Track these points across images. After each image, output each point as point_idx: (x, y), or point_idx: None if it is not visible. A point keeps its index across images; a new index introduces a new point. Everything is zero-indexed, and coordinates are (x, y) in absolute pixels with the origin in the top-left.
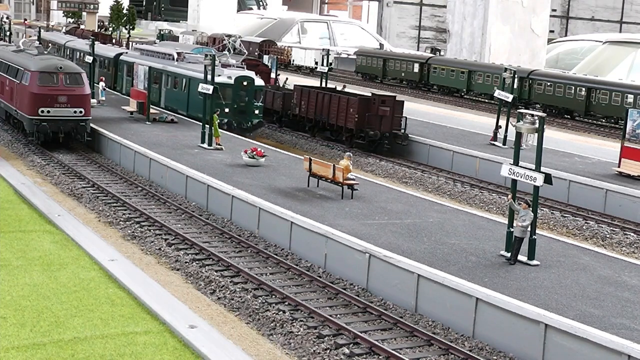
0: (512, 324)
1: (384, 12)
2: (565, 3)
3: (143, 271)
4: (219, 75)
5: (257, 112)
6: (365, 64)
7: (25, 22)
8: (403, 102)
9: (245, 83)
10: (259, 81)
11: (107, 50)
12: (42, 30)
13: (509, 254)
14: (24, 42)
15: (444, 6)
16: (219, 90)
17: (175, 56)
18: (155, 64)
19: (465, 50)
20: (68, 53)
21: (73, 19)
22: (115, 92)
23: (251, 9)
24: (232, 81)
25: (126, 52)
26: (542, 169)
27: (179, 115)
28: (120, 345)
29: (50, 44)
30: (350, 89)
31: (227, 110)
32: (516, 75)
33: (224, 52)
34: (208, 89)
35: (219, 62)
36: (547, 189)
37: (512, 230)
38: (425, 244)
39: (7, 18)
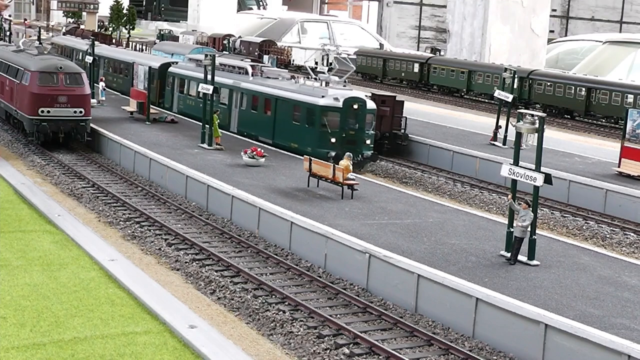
0: (512, 324)
1: (384, 12)
2: (565, 3)
3: (143, 271)
4: (323, 97)
5: (368, 142)
6: (365, 64)
7: (25, 22)
8: (403, 102)
9: (355, 106)
10: (370, 103)
11: (148, 59)
12: (51, 33)
13: (509, 254)
14: (24, 42)
15: (444, 6)
16: (321, 115)
17: (250, 70)
18: (221, 79)
19: (465, 50)
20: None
21: (73, 19)
22: (164, 110)
23: (251, 9)
24: (340, 104)
25: (175, 63)
26: (542, 169)
27: (262, 144)
28: (120, 345)
29: (65, 49)
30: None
31: (333, 140)
32: (516, 75)
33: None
34: (208, 89)
35: (319, 79)
36: (547, 189)
37: (512, 230)
38: (425, 244)
39: (10, 16)
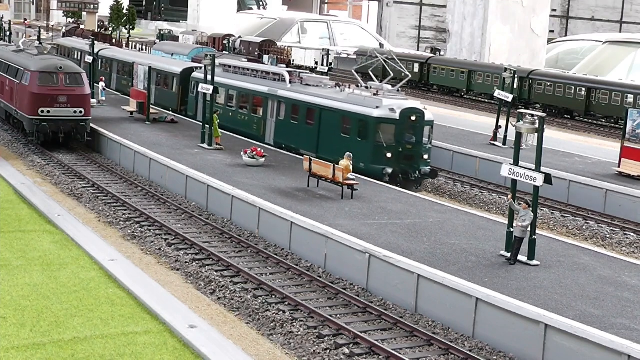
0: (512, 324)
1: (384, 12)
2: (565, 3)
3: (143, 271)
4: (377, 107)
5: (426, 157)
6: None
7: (25, 22)
8: None
9: (413, 118)
10: (428, 114)
11: (169, 64)
12: (51, 33)
13: (509, 254)
14: (24, 42)
15: (444, 6)
16: (376, 127)
17: (287, 77)
18: (254, 85)
19: (465, 50)
20: (105, 64)
21: (73, 19)
22: (186, 118)
23: (251, 9)
24: (396, 115)
25: (199, 68)
26: (542, 169)
27: (302, 157)
28: (120, 345)
29: (72, 52)
30: None
31: (389, 155)
32: (516, 75)
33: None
34: (208, 89)
35: (370, 88)
36: (547, 189)
37: (512, 230)
38: (425, 244)
39: (1, 18)
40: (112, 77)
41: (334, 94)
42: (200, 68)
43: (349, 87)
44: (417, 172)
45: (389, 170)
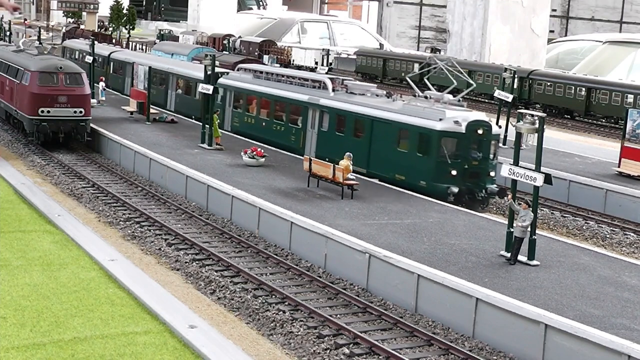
0: (512, 324)
1: (384, 12)
2: (565, 3)
3: (143, 271)
4: (440, 120)
5: (493, 174)
6: (365, 64)
7: (25, 22)
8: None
9: (480, 131)
10: (495, 128)
11: (189, 68)
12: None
13: (509, 254)
14: (24, 42)
15: (444, 6)
16: (440, 142)
17: (329, 84)
18: (290, 93)
19: (465, 50)
20: (115, 67)
21: (73, 19)
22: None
23: (251, 9)
24: (462, 129)
25: (226, 74)
26: (542, 169)
27: (357, 175)
28: (120, 345)
29: (80, 54)
30: None
31: (453, 172)
32: (516, 75)
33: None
34: (208, 89)
35: (429, 98)
36: (547, 189)
37: (512, 230)
38: (425, 244)
39: (20, 14)
40: (125, 81)
41: (386, 103)
42: (227, 73)
43: (401, 96)
44: (484, 191)
45: (455, 190)
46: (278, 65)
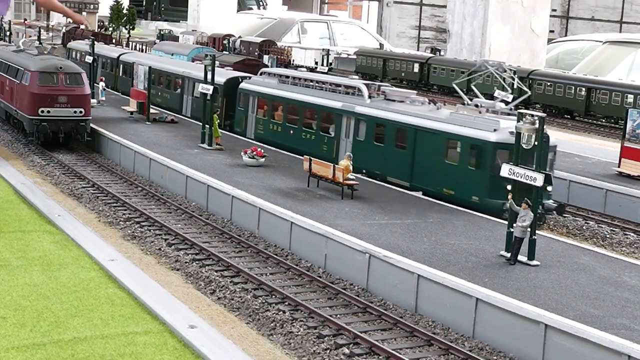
0: (512, 324)
1: (384, 12)
2: (565, 3)
3: (143, 271)
4: (495, 130)
5: (550, 188)
6: (365, 64)
7: (25, 22)
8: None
9: (537, 143)
10: (552, 138)
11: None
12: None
13: (509, 254)
14: (24, 42)
15: (444, 6)
16: (494, 154)
17: (365, 90)
18: (321, 100)
19: (465, 50)
20: (125, 70)
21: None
22: (234, 135)
23: (251, 9)
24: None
25: (247, 78)
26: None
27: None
28: (120, 345)
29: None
30: None
31: (509, 187)
32: (516, 75)
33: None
34: (208, 89)
35: (480, 106)
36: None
37: (512, 230)
38: (425, 244)
39: (1, 18)
40: (135, 85)
41: (431, 112)
42: (250, 78)
43: (444, 104)
44: (541, 207)
45: (508, 207)
46: (281, 65)
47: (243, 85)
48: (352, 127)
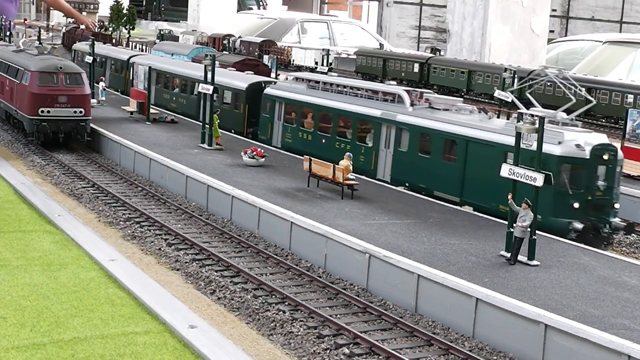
0: (512, 324)
1: (384, 12)
2: (565, 3)
3: (143, 271)
4: (559, 143)
5: (617, 206)
6: (365, 64)
7: (25, 22)
8: None
9: (605, 157)
10: (620, 151)
11: (230, 78)
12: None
13: (509, 254)
14: (24, 42)
15: (444, 6)
16: (560, 169)
17: (406, 98)
18: (357, 107)
19: (465, 50)
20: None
21: (73, 19)
22: (260, 144)
23: (251, 9)
24: (586, 154)
25: (273, 83)
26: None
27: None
28: (120, 345)
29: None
30: None
31: (576, 205)
32: (516, 75)
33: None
34: (208, 89)
35: (531, 115)
36: None
37: (512, 230)
38: (425, 244)
39: (2, 19)
40: (150, 89)
41: (482, 121)
42: (275, 83)
43: (497, 114)
44: (608, 226)
45: (578, 226)
46: (280, 64)
47: (268, 90)
48: (393, 137)
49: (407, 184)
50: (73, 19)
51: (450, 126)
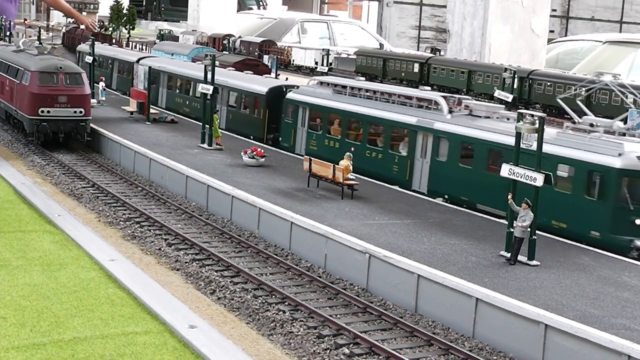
0: (512, 324)
1: (384, 12)
2: (565, 3)
3: (143, 271)
4: (619, 155)
5: None
6: (365, 64)
7: (25, 22)
8: None
9: None
10: None
11: (249, 82)
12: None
13: (509, 254)
14: (24, 42)
15: (444, 6)
16: (620, 183)
17: (444, 104)
18: (390, 114)
19: (465, 50)
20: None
21: (73, 19)
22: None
23: (251, 9)
24: None
25: (294, 87)
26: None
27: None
28: (120, 345)
29: (104, 61)
30: None
31: (637, 221)
32: (516, 75)
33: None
34: (208, 89)
35: (597, 125)
36: None
37: (512, 230)
38: (425, 244)
39: (2, 19)
40: (160, 92)
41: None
42: (297, 87)
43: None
44: None
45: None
46: (280, 64)
47: (291, 95)
48: (431, 145)
49: (446, 196)
50: (73, 19)
51: (495, 135)
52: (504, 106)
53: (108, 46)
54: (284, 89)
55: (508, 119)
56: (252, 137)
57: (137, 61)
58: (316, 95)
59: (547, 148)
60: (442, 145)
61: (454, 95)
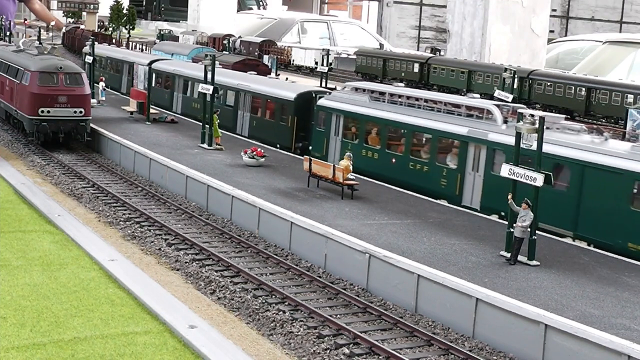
0: (512, 324)
1: (384, 12)
2: (565, 3)
3: (143, 271)
4: None
5: None
6: (365, 64)
7: (25, 22)
8: None
9: None
10: None
11: (275, 87)
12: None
13: (509, 254)
14: (24, 42)
15: (444, 6)
16: None
17: (497, 114)
18: (437, 124)
19: (465, 50)
20: (159, 81)
21: (73, 19)
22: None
23: (251, 9)
24: None
25: (327, 93)
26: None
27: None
28: (120, 345)
29: (110, 63)
30: None
31: None
32: (516, 75)
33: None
34: (208, 89)
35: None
36: None
37: (512, 230)
38: (425, 244)
39: (2, 19)
40: (174, 97)
41: (599, 143)
42: (329, 92)
43: (610, 133)
44: None
45: None
46: (280, 64)
47: (323, 101)
48: (484, 158)
49: (502, 213)
50: (74, 20)
51: (559, 148)
52: (564, 116)
53: (116, 48)
54: (314, 95)
55: (571, 130)
56: (278, 146)
57: (150, 64)
58: (351, 102)
59: (620, 163)
60: (498, 158)
61: (508, 103)
